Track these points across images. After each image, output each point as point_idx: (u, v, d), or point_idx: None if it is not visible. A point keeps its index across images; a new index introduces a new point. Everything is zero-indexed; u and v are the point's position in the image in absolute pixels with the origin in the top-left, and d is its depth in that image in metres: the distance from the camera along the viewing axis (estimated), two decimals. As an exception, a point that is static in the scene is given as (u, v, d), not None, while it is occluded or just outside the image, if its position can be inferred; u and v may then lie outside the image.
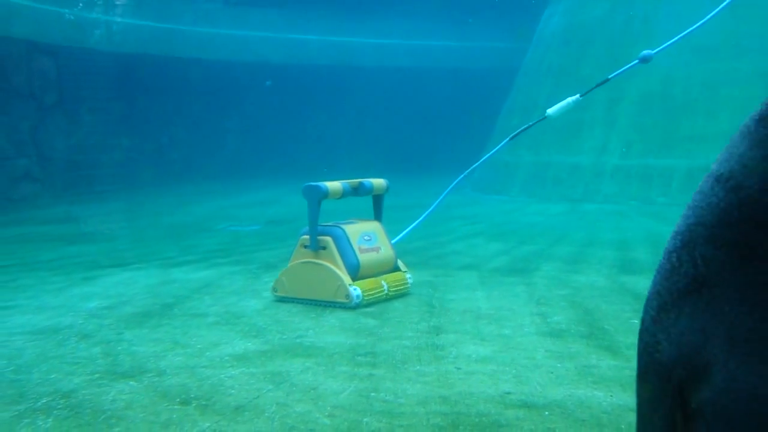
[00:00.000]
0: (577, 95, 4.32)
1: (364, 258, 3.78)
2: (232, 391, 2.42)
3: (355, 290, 3.66)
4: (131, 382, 2.53)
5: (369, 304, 3.70)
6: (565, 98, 4.32)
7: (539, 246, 5.94)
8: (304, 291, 3.74)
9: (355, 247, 3.78)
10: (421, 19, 16.10)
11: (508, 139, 4.67)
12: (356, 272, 3.74)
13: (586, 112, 10.59)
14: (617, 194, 9.73)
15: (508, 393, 2.39)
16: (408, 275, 4.03)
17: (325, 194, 3.75)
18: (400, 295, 3.95)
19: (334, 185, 3.83)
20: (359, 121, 16.67)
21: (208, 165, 14.12)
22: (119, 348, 2.95)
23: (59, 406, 2.31)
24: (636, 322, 3.29)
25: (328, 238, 3.75)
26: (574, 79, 10.90)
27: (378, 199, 4.13)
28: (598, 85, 4.29)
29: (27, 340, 3.11)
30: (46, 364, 2.75)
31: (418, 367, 2.67)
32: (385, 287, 3.83)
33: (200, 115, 14.65)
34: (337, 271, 3.67)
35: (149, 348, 2.94)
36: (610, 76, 4.29)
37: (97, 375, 2.61)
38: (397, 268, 4.03)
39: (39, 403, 2.34)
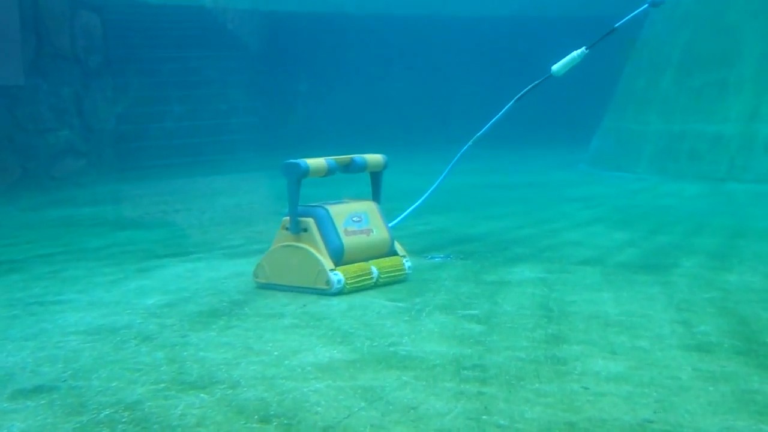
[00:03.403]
0: (583, 48, 4.60)
1: (349, 241, 4.06)
2: (318, 408, 2.46)
3: (336, 276, 3.93)
4: (201, 394, 2.61)
5: (441, 301, 3.70)
6: (572, 52, 4.67)
7: (675, 236, 5.79)
8: (285, 277, 4.04)
9: (340, 228, 4.05)
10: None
11: (513, 100, 4.87)
12: (340, 256, 4.01)
13: (732, 69, 10.20)
14: (773, 172, 9.37)
15: (650, 421, 2.35)
16: (406, 260, 4.27)
17: (304, 172, 4.03)
18: (394, 282, 4.17)
19: (316, 162, 4.10)
20: (453, 83, 16.58)
21: (274, 134, 14.34)
22: (185, 353, 3.05)
23: (123, 420, 2.41)
24: (806, 335, 3.17)
25: (310, 220, 4.03)
26: (718, 29, 10.51)
27: (375, 178, 4.41)
28: (604, 36, 4.57)
29: (82, 341, 3.25)
30: (106, 370, 2.87)
31: (536, 385, 2.65)
32: (375, 273, 4.09)
33: (264, 76, 14.87)
34: (318, 255, 3.95)
35: (219, 354, 3.03)
36: (616, 25, 4.57)
37: (162, 384, 2.71)
38: (392, 253, 4.28)
39: (101, 415, 2.45)
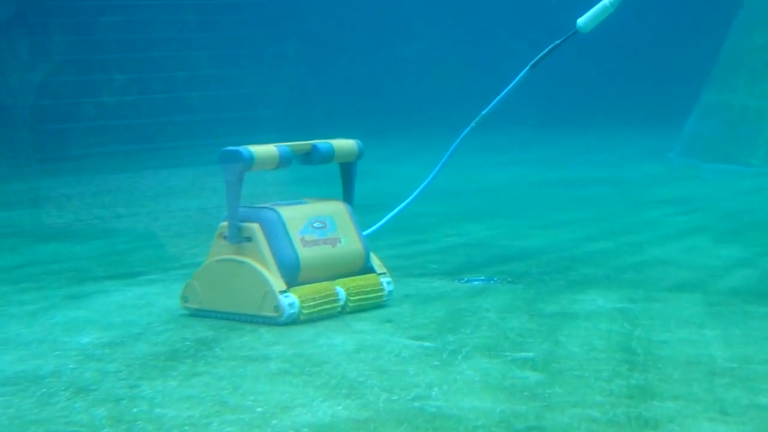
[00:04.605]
0: None
1: (308, 253, 4.20)
2: (319, 484, 2.48)
3: (289, 299, 4.05)
4: (159, 465, 2.63)
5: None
6: (602, 1, 4.74)
7: (807, 253, 5.79)
8: (222, 301, 4.21)
9: (296, 237, 4.19)
10: None
11: (527, 67, 4.96)
12: (295, 273, 4.15)
13: None
14: None
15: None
16: (385, 280, 4.41)
17: (247, 163, 4.17)
18: (368, 308, 4.28)
19: (263, 151, 4.25)
20: (494, 41, 16.57)
21: (250, 113, 14.35)
22: (135, 409, 3.06)
23: (53, 500, 2.43)
24: None
25: (255, 226, 4.17)
26: None
27: (347, 171, 4.56)
28: None
29: (-6, 393, 3.28)
30: (26, 433, 2.89)
31: (617, 456, 2.66)
32: (342, 296, 4.24)
33: (237, 35, 14.89)
34: (264, 272, 4.08)
35: (182, 411, 3.04)
36: None
37: (105, 452, 2.74)
38: (368, 270, 4.42)
39: (23, 494, 2.47)
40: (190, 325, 4.14)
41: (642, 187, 9.17)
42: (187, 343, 3.87)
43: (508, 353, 3.65)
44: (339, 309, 4.21)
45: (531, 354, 3.64)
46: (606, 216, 7.37)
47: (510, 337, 3.87)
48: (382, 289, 4.38)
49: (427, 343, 3.80)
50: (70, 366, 3.58)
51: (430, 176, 5.01)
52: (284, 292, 4.06)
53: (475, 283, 4.92)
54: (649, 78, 15.92)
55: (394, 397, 3.15)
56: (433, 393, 3.19)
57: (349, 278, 4.32)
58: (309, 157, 4.44)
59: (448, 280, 4.93)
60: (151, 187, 9.72)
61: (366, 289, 4.32)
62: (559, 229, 6.71)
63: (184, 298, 4.32)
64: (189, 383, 3.33)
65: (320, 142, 4.45)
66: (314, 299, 4.13)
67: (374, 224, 4.98)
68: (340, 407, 3.06)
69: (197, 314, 4.24)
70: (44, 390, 3.30)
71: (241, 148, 4.19)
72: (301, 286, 4.14)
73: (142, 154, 11.96)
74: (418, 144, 12.87)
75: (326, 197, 4.50)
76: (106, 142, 12.30)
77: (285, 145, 4.33)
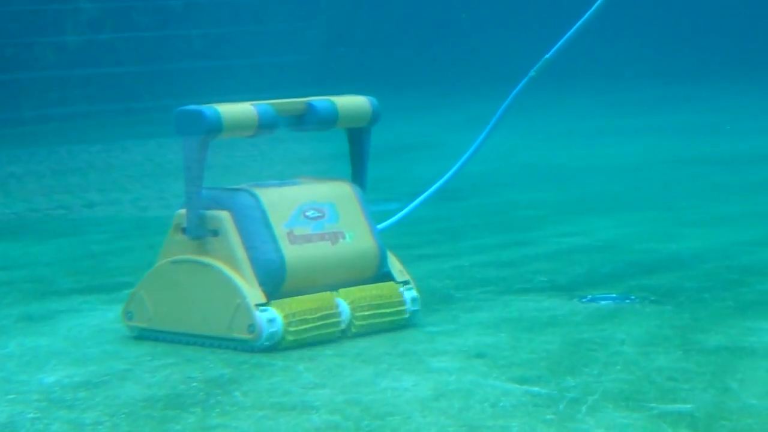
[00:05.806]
0: None
1: (297, 253, 4.28)
2: None
3: (270, 317, 4.12)
4: None
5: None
6: None
7: None
8: (178, 318, 4.33)
9: (280, 230, 4.26)
10: None
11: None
12: (278, 280, 4.25)
13: None
14: None
15: None
16: (409, 293, 4.50)
17: (213, 128, 4.23)
18: (382, 329, 4.38)
19: (236, 111, 4.32)
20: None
21: (275, 58, 14.41)
22: (124, 478, 3.10)
23: None
24: None
25: (223, 214, 4.25)
26: None
27: (356, 139, 4.64)
28: None
29: (-76, 452, 3.32)
30: None
31: None
32: (344, 312, 4.30)
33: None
34: (235, 279, 4.16)
35: (191, 482, 3.07)
36: None
37: None
38: (383, 277, 4.53)
39: None
40: (197, 359, 4.16)
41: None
42: (195, 384, 3.88)
43: (654, 404, 3.63)
44: (341, 331, 4.28)
45: (688, 406, 3.62)
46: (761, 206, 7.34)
47: (656, 382, 3.85)
48: (403, 305, 4.43)
49: (536, 388, 3.79)
50: (30, 415, 3.60)
51: (472, 148, 5.07)
52: (263, 305, 4.12)
53: (603, 302, 4.93)
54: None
55: (492, 465, 3.16)
56: (548, 461, 3.20)
57: (356, 288, 4.37)
58: (302, 119, 4.49)
59: (563, 299, 4.93)
60: (136, 163, 9.80)
61: (380, 304, 4.37)
62: (723, 227, 6.69)
63: (128, 315, 4.43)
64: (200, 441, 3.35)
65: (318, 100, 4.48)
66: (305, 317, 4.18)
67: (396, 214, 5.02)
68: (415, 478, 3.07)
69: (145, 336, 4.34)
70: (-4, 450, 3.34)
71: (204, 108, 4.23)
72: (288, 299, 4.20)
73: (123, 117, 12.05)
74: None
75: (327, 177, 4.57)
76: (71, 99, 12.41)
77: (267, 104, 4.37)
